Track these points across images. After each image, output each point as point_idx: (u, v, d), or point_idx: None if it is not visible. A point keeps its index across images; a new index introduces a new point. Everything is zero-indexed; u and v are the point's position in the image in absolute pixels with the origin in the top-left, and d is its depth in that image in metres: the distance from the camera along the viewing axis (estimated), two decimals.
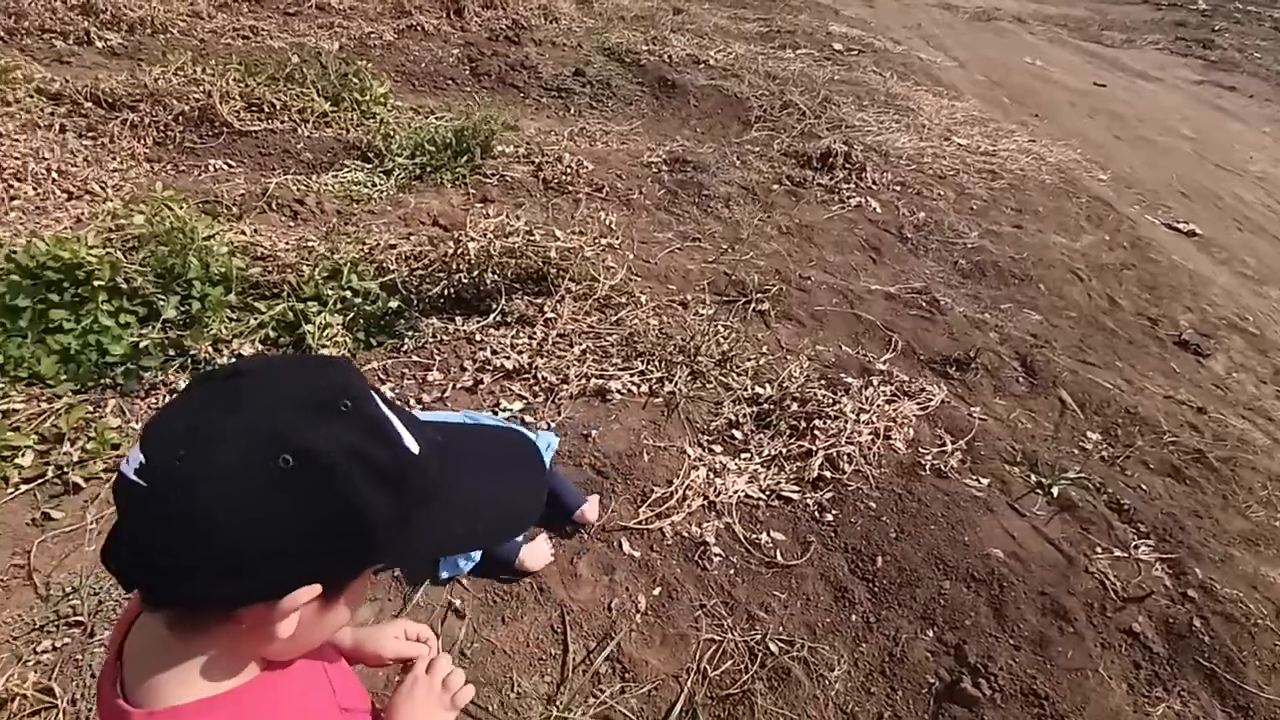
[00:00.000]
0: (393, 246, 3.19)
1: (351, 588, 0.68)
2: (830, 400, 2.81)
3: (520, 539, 2.13)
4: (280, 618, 0.63)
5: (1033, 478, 2.70)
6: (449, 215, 3.89)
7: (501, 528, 0.80)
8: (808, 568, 2.30)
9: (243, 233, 3.27)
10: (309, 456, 0.58)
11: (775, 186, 4.65)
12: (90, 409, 2.38)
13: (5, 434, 2.18)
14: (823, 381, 2.98)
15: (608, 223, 3.31)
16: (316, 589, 0.63)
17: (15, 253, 2.70)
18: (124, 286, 2.62)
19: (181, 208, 3.14)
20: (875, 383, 2.96)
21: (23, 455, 2.20)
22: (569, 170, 4.41)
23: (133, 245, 2.90)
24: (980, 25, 11.16)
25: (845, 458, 2.61)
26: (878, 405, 2.83)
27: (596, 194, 4.28)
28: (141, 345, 2.52)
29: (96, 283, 2.56)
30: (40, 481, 2.19)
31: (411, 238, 3.47)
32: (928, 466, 2.66)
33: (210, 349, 2.55)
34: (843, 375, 3.05)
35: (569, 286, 3.07)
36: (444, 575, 2.07)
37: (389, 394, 2.54)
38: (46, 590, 1.96)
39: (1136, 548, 2.49)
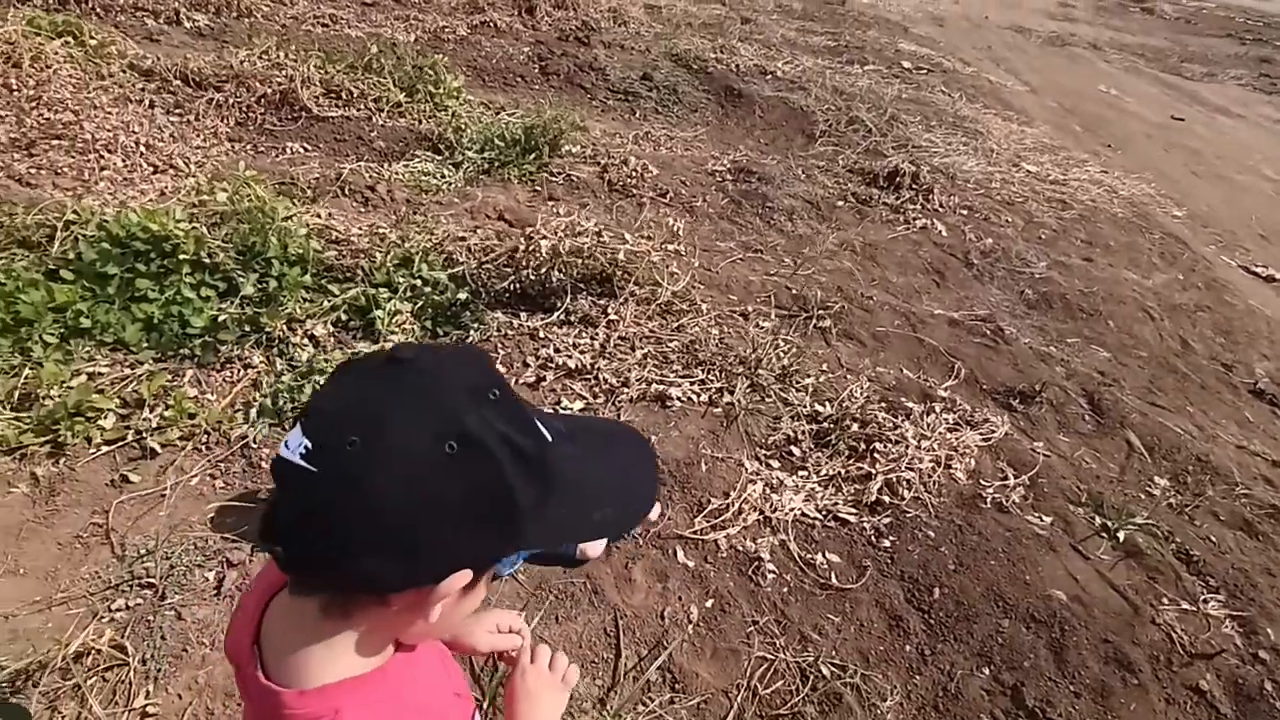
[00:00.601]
0: (461, 239, 3.23)
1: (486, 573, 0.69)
2: (891, 424, 2.77)
3: None
4: (436, 601, 0.64)
5: (1097, 520, 2.63)
6: (515, 211, 3.93)
7: (625, 515, 0.80)
8: (862, 593, 2.26)
9: (318, 215, 3.34)
10: (472, 441, 0.59)
11: (840, 203, 4.60)
12: (169, 377, 2.45)
13: (90, 396, 2.25)
14: (883, 404, 2.94)
15: (674, 228, 3.30)
16: (468, 574, 0.64)
17: (107, 221, 2.80)
18: (207, 261, 2.70)
19: (261, 188, 3.22)
20: (937, 409, 2.91)
21: (105, 418, 2.27)
22: (634, 174, 4.42)
23: (216, 221, 2.98)
24: (1053, 50, 10.92)
25: (904, 484, 2.57)
26: (939, 432, 2.78)
27: (660, 199, 4.29)
28: (220, 319, 2.58)
29: (182, 256, 2.64)
30: (120, 444, 2.26)
31: (478, 231, 3.52)
32: (989, 500, 2.60)
33: (284, 327, 2.61)
34: (903, 399, 3.00)
35: (633, 290, 3.07)
36: (505, 571, 2.08)
37: None
38: (122, 550, 2.02)
39: (1205, 602, 2.40)
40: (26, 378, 2.33)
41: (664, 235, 3.29)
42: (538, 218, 3.85)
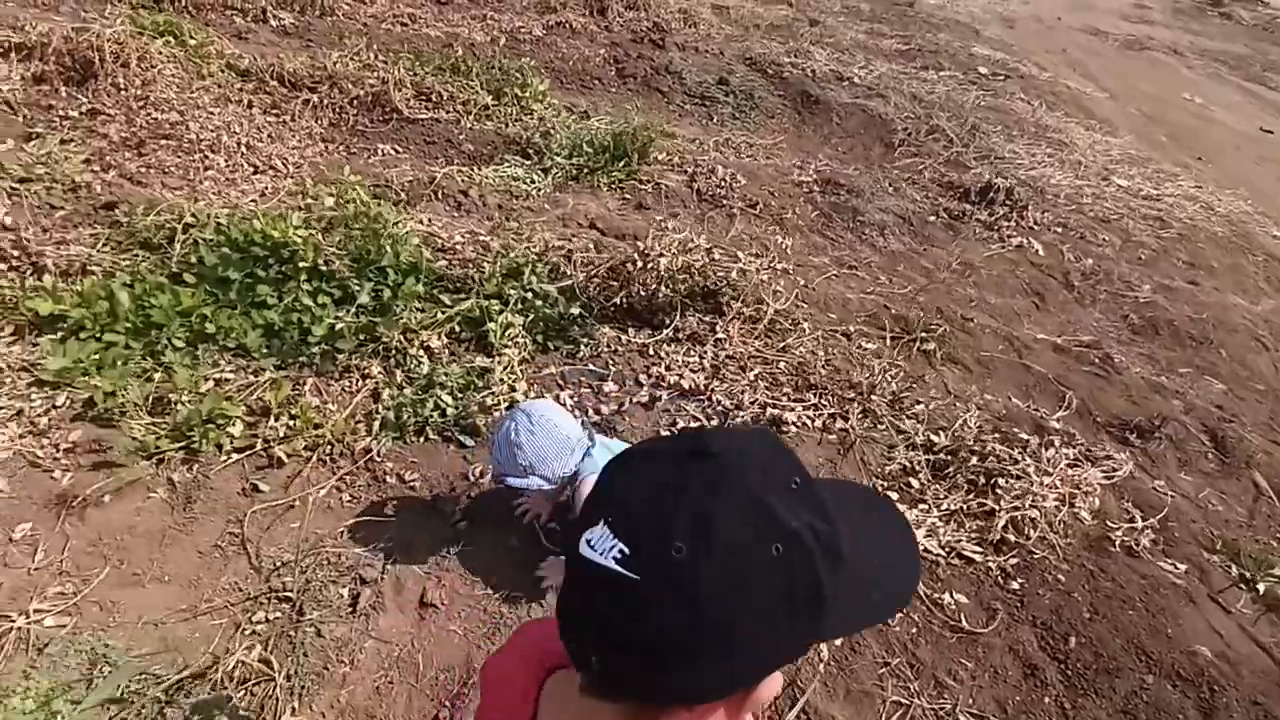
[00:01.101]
0: (561, 248, 3.20)
1: None
2: (1009, 457, 2.67)
3: None
4: (751, 707, 0.61)
5: (1234, 569, 2.51)
6: (606, 220, 3.90)
7: (899, 594, 0.76)
8: (995, 638, 2.19)
9: (420, 222, 3.35)
10: (794, 539, 0.57)
11: (932, 218, 4.49)
12: (292, 386, 2.46)
13: (220, 404, 2.27)
14: (997, 435, 2.84)
15: (783, 245, 3.24)
16: (780, 678, 0.61)
17: (223, 225, 2.83)
18: (323, 268, 2.70)
19: (365, 192, 3.24)
20: (1056, 444, 2.80)
21: (233, 425, 2.29)
22: (723, 183, 4.36)
23: (325, 226, 2.99)
24: (1131, 54, 10.56)
25: (1029, 522, 2.48)
26: (1060, 468, 2.68)
27: (750, 210, 4.22)
28: (337, 328, 2.59)
29: (301, 264, 2.65)
30: (249, 453, 2.27)
31: (574, 240, 3.50)
32: (1117, 543, 2.50)
33: (401, 338, 2.60)
34: (1016, 430, 2.90)
35: (739, 309, 3.02)
36: None
37: (568, 402, 2.55)
38: (258, 561, 2.03)
39: None
40: (159, 382, 2.36)
41: (771, 254, 3.22)
42: (629, 227, 3.82)
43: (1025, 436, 2.85)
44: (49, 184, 3.22)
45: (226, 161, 3.72)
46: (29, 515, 2.02)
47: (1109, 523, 2.58)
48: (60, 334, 2.45)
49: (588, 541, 0.57)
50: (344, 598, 1.98)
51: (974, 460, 2.65)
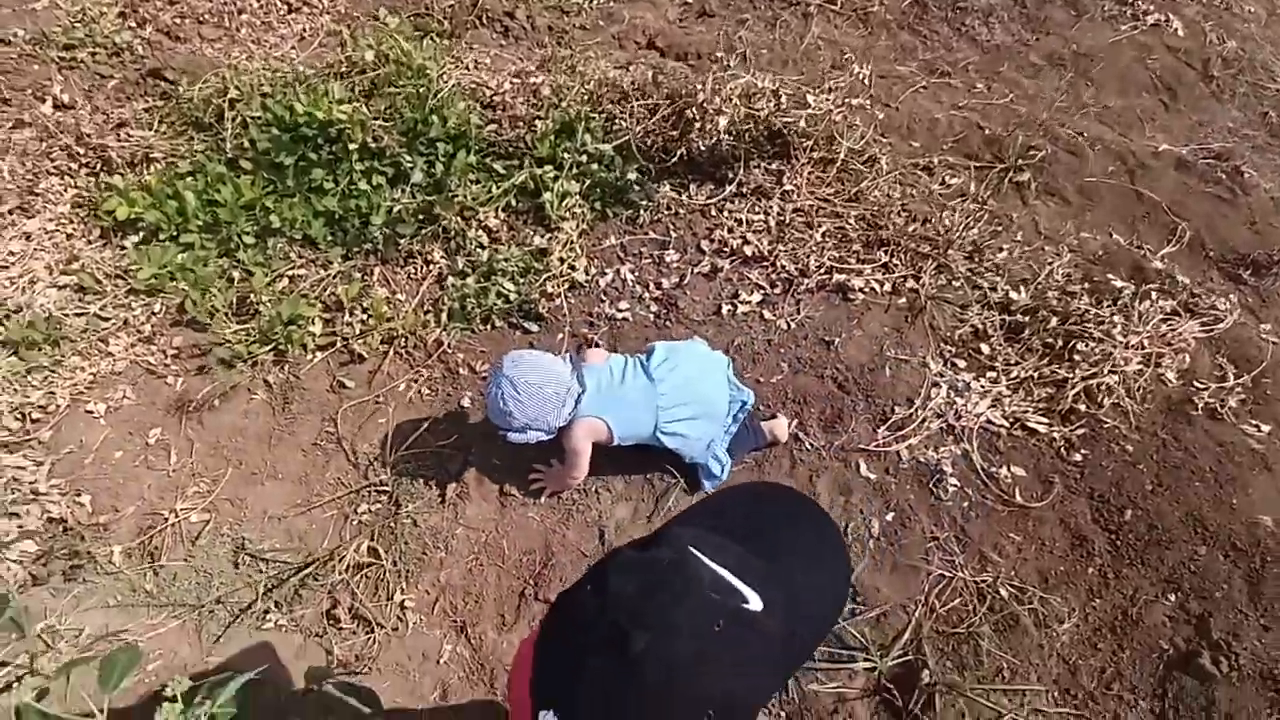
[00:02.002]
0: (617, 89, 2.95)
1: None
2: (1095, 317, 2.52)
3: (741, 416, 2.22)
4: None
5: None
6: (667, 36, 3.52)
7: (834, 615, 0.88)
8: (1048, 511, 2.25)
9: (466, 67, 3.13)
10: (730, 703, 0.68)
11: None
12: (361, 277, 2.54)
13: (298, 306, 2.39)
14: (1086, 285, 2.66)
15: (860, 77, 2.87)
16: None
17: (268, 95, 2.75)
18: (373, 145, 2.63)
19: (403, 37, 3.01)
20: (1153, 295, 2.60)
21: (313, 323, 2.42)
22: None
23: (369, 89, 2.86)
24: None
25: (1105, 389, 2.41)
26: (1153, 323, 2.51)
27: (829, 5, 3.68)
28: (395, 211, 2.58)
29: (350, 145, 2.58)
30: (330, 350, 2.43)
31: (631, 68, 3.21)
32: (1200, 406, 2.41)
33: (459, 219, 2.58)
34: (1110, 276, 2.70)
35: (809, 153, 2.78)
36: (708, 486, 2.20)
37: (629, 277, 2.53)
38: (355, 457, 2.27)
39: None
40: (238, 282, 2.48)
41: (849, 87, 2.87)
42: (692, 43, 3.45)
43: (1119, 284, 2.66)
44: (92, 49, 3.16)
45: (259, 3, 3.49)
46: (156, 420, 2.29)
47: (1196, 383, 2.47)
48: (141, 235, 2.57)
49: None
50: (434, 490, 2.21)
51: (1053, 321, 2.52)
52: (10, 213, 2.55)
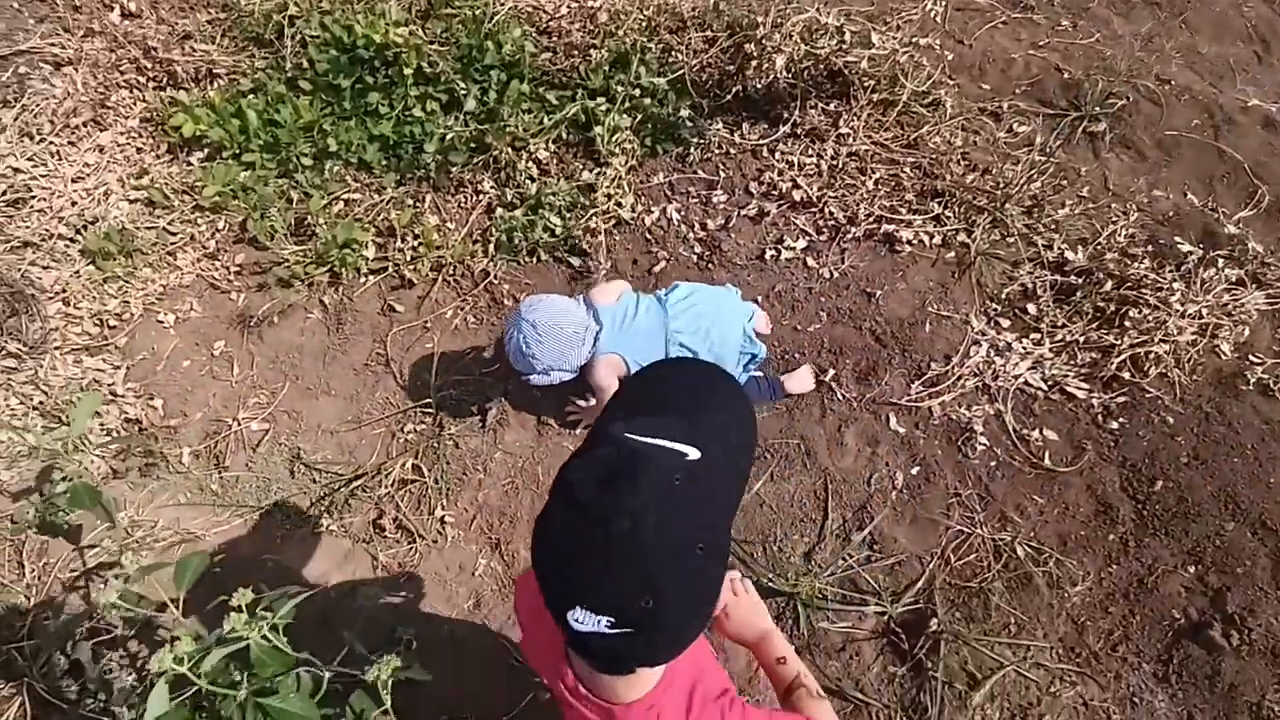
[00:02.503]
0: (675, 11, 2.86)
1: None
2: (1154, 283, 2.44)
3: (781, 378, 2.30)
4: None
5: None
6: None
7: (754, 440, 0.97)
8: (1075, 476, 2.26)
9: None
10: (713, 551, 0.81)
11: None
12: (413, 204, 2.60)
13: (353, 231, 2.46)
14: (1149, 248, 2.57)
15: (933, 13, 2.72)
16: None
17: (328, 21, 2.76)
18: (428, 71, 2.64)
19: None
20: (1220, 262, 2.50)
21: (366, 248, 2.50)
22: None
23: (425, 10, 2.83)
24: None
25: (1153, 359, 2.36)
26: (1214, 293, 2.42)
27: None
28: (448, 139, 2.61)
29: (405, 69, 2.59)
30: (382, 275, 2.52)
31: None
32: (1252, 381, 2.35)
33: (510, 149, 2.60)
34: (1177, 239, 2.59)
35: (870, 94, 2.69)
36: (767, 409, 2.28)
37: (674, 216, 2.54)
38: (403, 378, 2.39)
39: None
40: (296, 204, 2.57)
41: (919, 25, 2.73)
42: None
43: (1185, 248, 2.55)
44: None
45: None
46: (220, 333, 2.44)
47: (1252, 357, 2.40)
48: (206, 151, 2.65)
49: (575, 620, 0.77)
50: (474, 414, 2.32)
51: (1108, 285, 2.45)
52: (85, 125, 2.66)
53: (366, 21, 2.60)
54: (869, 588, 2.13)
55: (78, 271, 2.43)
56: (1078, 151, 2.83)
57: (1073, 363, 2.39)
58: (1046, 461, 2.27)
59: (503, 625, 2.09)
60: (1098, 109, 2.87)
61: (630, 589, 0.75)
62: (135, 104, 2.73)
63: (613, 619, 0.76)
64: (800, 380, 2.33)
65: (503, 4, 2.81)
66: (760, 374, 2.25)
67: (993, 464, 2.28)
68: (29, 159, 2.57)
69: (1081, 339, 2.41)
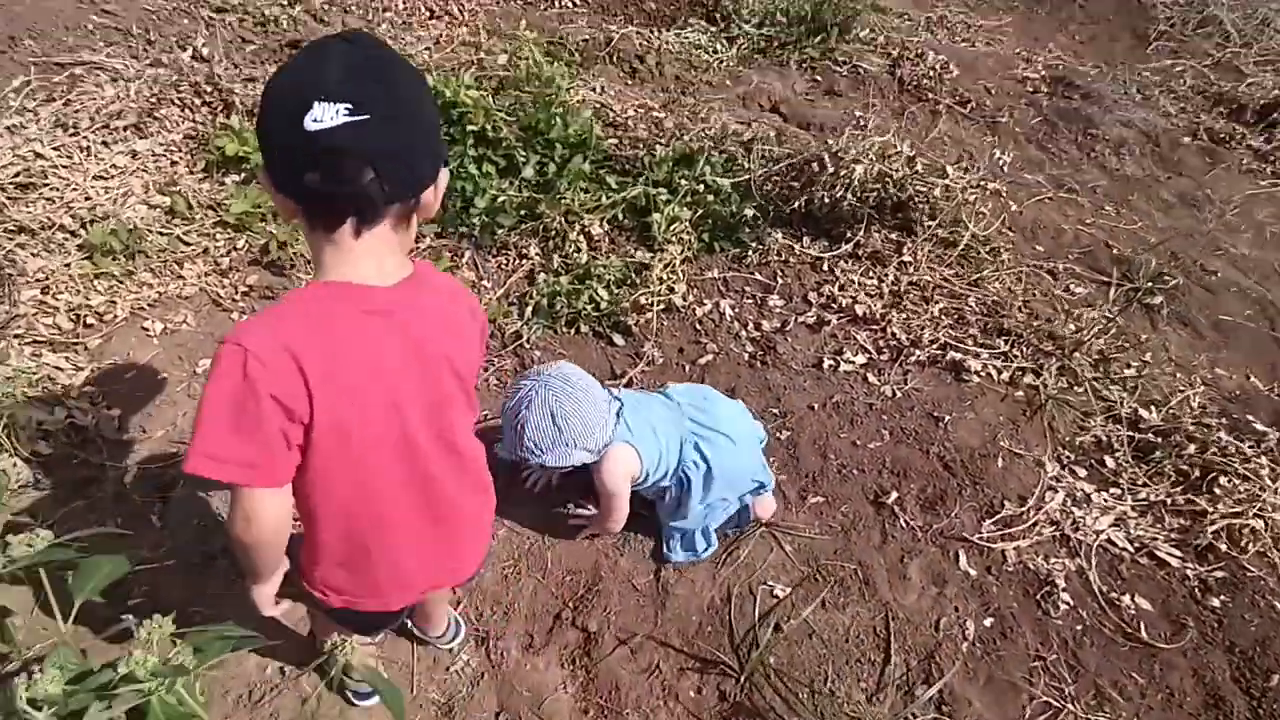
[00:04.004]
0: (741, 136, 2.89)
1: None
2: (1237, 452, 2.25)
3: (747, 497, 1.92)
4: (436, 192, 0.97)
5: None
6: (790, 105, 3.51)
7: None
8: (1178, 657, 1.91)
9: (592, 89, 3.12)
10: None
11: (1186, 139, 3.72)
12: (450, 256, 2.42)
13: None
14: (1224, 420, 2.40)
15: (999, 160, 2.77)
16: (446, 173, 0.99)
17: None
18: (490, 135, 2.58)
19: (539, 50, 3.03)
20: None
21: None
22: (931, 73, 3.79)
23: (497, 87, 2.84)
24: None
25: (1249, 533, 2.10)
26: None
27: (958, 108, 3.66)
28: (499, 200, 2.49)
29: (469, 126, 2.53)
30: None
31: (753, 125, 3.16)
32: None
33: (562, 220, 2.47)
34: (1250, 419, 2.43)
35: (933, 230, 2.64)
36: (681, 558, 1.89)
37: (728, 311, 2.37)
38: None
39: None
40: None
41: (981, 169, 2.77)
42: (816, 116, 3.42)
43: (1262, 428, 2.39)
44: (241, 15, 3.25)
45: (405, 4, 3.61)
46: (209, 352, 2.14)
47: None
48: (244, 175, 2.51)
49: (313, 119, 0.77)
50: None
51: (1190, 449, 2.25)
52: (125, 129, 2.53)
53: (440, 77, 2.58)
54: None
55: (69, 264, 2.17)
56: (1135, 320, 2.76)
57: (1160, 525, 2.13)
58: (1143, 633, 1.93)
59: None
60: (1150, 283, 2.84)
61: (353, 76, 0.80)
62: (183, 121, 2.62)
63: (349, 106, 0.78)
64: (766, 507, 1.99)
65: (573, 95, 2.83)
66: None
67: (1079, 628, 1.93)
68: (55, 148, 2.40)
69: (1167, 500, 2.16)
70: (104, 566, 1.17)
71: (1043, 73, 4.07)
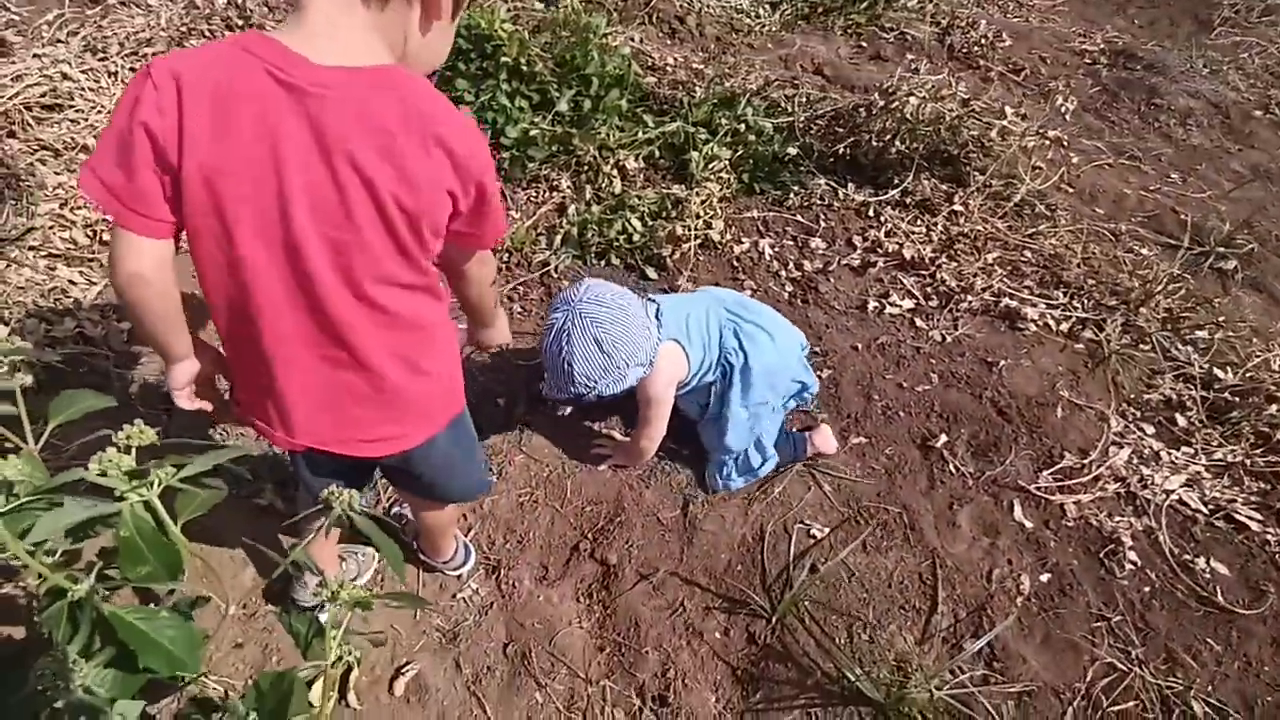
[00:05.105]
0: (785, 85, 2.78)
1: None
2: None
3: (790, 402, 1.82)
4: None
5: None
6: (835, 67, 3.38)
7: None
8: (1257, 624, 1.71)
9: (631, 40, 3.03)
10: None
11: (1258, 113, 3.51)
12: None
13: None
14: None
15: (1062, 108, 2.61)
16: None
17: None
18: (525, 69, 2.49)
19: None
20: None
21: None
22: (983, 40, 3.64)
23: (534, 27, 2.76)
24: None
25: None
26: None
27: (1011, 75, 3.50)
28: (531, 133, 2.40)
29: (502, 59, 2.45)
30: None
31: (796, 83, 3.04)
32: None
33: (596, 153, 2.37)
34: None
35: (985, 181, 2.49)
36: (737, 483, 1.77)
37: (767, 250, 2.24)
38: None
39: None
40: None
41: (1046, 116, 2.61)
42: (860, 78, 3.28)
43: None
44: None
45: None
46: None
47: None
48: None
49: None
50: (500, 405, 1.87)
51: (1271, 409, 2.06)
52: (154, 55, 2.49)
53: (477, 11, 2.50)
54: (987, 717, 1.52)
55: None
56: (1207, 284, 2.57)
57: (1238, 487, 1.94)
58: (1219, 598, 1.74)
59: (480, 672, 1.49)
60: (1223, 248, 2.65)
61: None
62: None
63: None
64: (826, 440, 1.84)
65: (611, 39, 2.74)
66: (788, 429, 1.82)
67: (1146, 589, 1.75)
68: (84, 70, 2.36)
69: (1247, 461, 1.97)
70: (86, 398, 1.07)
71: (1102, 46, 3.90)
